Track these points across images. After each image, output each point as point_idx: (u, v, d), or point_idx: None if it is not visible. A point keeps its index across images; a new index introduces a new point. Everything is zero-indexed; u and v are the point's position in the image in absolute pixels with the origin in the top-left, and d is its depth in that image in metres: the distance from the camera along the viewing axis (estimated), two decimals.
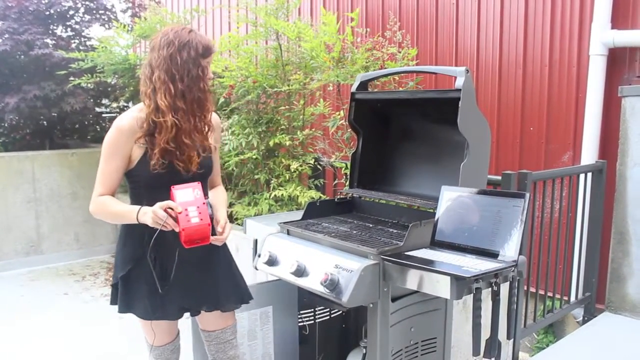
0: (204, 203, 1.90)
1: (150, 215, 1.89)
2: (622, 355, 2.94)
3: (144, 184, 2.06)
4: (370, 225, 2.41)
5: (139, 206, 1.97)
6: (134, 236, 2.08)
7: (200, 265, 2.14)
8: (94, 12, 6.53)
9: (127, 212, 1.99)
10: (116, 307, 2.15)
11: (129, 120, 2.03)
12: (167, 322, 2.21)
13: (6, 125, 6.19)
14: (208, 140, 2.12)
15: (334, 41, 3.61)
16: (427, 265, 1.85)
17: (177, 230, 1.86)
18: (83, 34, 6.61)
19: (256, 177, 4.07)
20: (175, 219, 1.86)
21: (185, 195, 1.91)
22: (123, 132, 2.02)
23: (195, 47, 2.01)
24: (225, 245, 2.27)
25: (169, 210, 1.86)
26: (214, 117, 2.27)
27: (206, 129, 2.11)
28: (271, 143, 3.93)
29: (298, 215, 2.54)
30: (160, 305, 2.09)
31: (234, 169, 4.09)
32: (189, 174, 2.04)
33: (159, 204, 1.89)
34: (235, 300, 2.23)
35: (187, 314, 2.23)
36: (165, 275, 2.06)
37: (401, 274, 1.93)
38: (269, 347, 2.48)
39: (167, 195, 1.93)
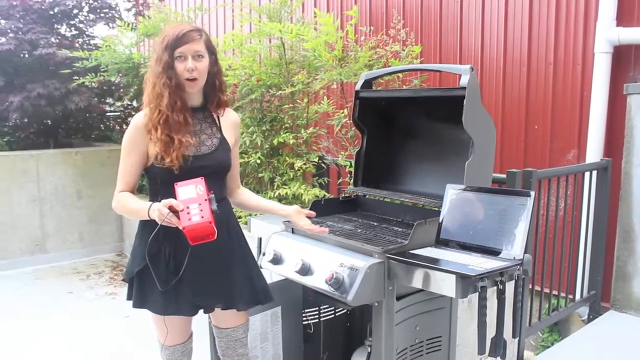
0: (206, 199, 1.88)
1: (156, 212, 1.90)
2: (628, 354, 2.94)
3: (160, 179, 2.07)
4: (375, 224, 2.41)
5: (151, 203, 1.98)
6: (149, 232, 2.06)
7: (215, 262, 2.12)
8: (98, 11, 6.55)
9: (142, 209, 2.00)
10: (124, 303, 2.16)
11: (144, 117, 2.06)
12: (180, 320, 2.20)
13: (10, 124, 6.21)
14: (187, 134, 2.05)
15: (334, 40, 3.60)
16: (432, 263, 1.84)
17: (180, 227, 1.86)
18: (87, 32, 6.63)
19: (260, 175, 4.07)
20: (178, 217, 1.87)
21: (188, 192, 1.90)
22: (139, 129, 2.05)
23: (163, 39, 2.01)
24: (244, 242, 2.26)
25: (173, 207, 1.87)
26: (232, 115, 2.26)
27: (181, 118, 2.04)
28: (275, 142, 3.93)
29: None
30: (174, 300, 2.08)
31: None
32: (177, 170, 2.01)
33: (163, 202, 1.89)
34: (251, 300, 2.20)
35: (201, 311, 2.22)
36: (178, 270, 2.05)
37: (406, 273, 1.92)
38: (278, 347, 2.48)
39: None
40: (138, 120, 2.07)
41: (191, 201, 1.87)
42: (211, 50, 2.10)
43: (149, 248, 2.03)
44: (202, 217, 1.84)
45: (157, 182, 2.10)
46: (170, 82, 2.00)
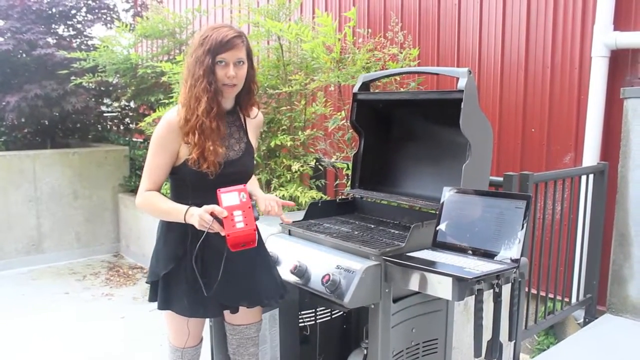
0: (250, 207, 1.89)
1: (196, 218, 1.89)
2: (623, 357, 2.94)
3: (190, 182, 2.05)
4: (372, 226, 2.41)
5: (187, 206, 1.96)
6: (175, 234, 2.08)
7: (241, 261, 2.12)
8: (96, 11, 6.54)
9: (175, 210, 1.99)
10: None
11: (177, 116, 2.02)
12: (197, 323, 2.21)
13: (7, 124, 6.20)
14: (219, 141, 2.04)
15: (332, 41, 3.60)
16: (428, 266, 1.85)
17: (222, 234, 1.86)
18: (85, 33, 6.62)
19: (257, 177, 4.06)
20: (221, 223, 1.86)
21: (231, 199, 1.89)
22: (172, 128, 2.01)
23: (208, 43, 1.97)
24: (261, 239, 2.24)
25: (215, 214, 1.87)
26: (258, 115, 2.25)
27: (214, 125, 2.01)
28: (272, 144, 3.93)
29: (299, 215, 2.54)
30: (201, 303, 2.07)
31: None
32: (212, 175, 2.01)
33: (205, 208, 1.89)
34: (276, 296, 2.20)
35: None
36: (206, 273, 2.05)
37: (403, 275, 1.93)
38: (276, 349, 2.48)
39: (210, 195, 1.92)
40: (171, 118, 2.02)
41: (235, 208, 1.87)
42: (249, 55, 2.07)
43: (195, 251, 2.01)
44: (246, 224, 1.85)
45: (185, 184, 2.07)
46: (210, 87, 1.98)
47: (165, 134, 2.02)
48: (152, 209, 2.05)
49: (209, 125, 1.99)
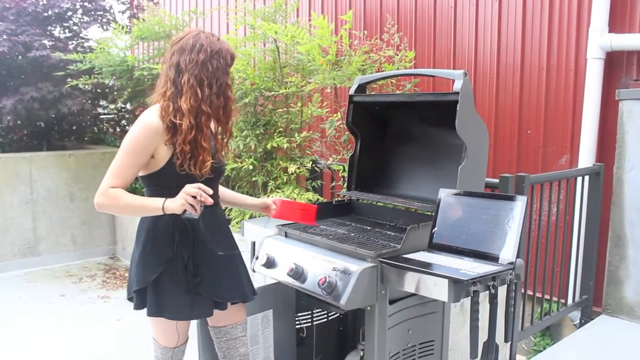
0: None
1: (179, 200, 1.89)
2: (619, 358, 2.95)
3: (175, 185, 2.01)
4: (368, 228, 2.41)
5: (162, 198, 1.95)
6: (161, 238, 2.07)
7: (226, 259, 2.15)
8: (92, 13, 6.54)
9: (151, 202, 1.98)
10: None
11: (160, 119, 2.01)
12: (188, 321, 2.22)
13: (3, 126, 6.19)
14: (222, 146, 2.17)
15: (328, 44, 3.61)
16: (425, 268, 1.85)
17: (208, 203, 1.90)
18: (81, 35, 6.62)
19: (254, 179, 4.07)
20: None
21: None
22: (155, 130, 2.00)
23: (225, 56, 2.06)
24: (233, 238, 2.30)
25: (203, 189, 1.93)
26: None
27: (227, 136, 2.16)
28: (269, 146, 3.94)
29: None
30: (193, 304, 2.08)
31: (230, 172, 4.09)
32: (202, 178, 2.03)
33: (186, 188, 1.91)
34: (253, 292, 2.26)
35: None
36: (197, 272, 2.08)
37: (399, 277, 1.93)
38: (269, 350, 2.48)
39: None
40: (154, 121, 2.00)
41: None
42: None
43: (184, 249, 2.08)
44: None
45: (169, 186, 2.03)
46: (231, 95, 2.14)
47: (146, 137, 2.00)
48: (119, 206, 1.99)
49: (207, 133, 2.07)
